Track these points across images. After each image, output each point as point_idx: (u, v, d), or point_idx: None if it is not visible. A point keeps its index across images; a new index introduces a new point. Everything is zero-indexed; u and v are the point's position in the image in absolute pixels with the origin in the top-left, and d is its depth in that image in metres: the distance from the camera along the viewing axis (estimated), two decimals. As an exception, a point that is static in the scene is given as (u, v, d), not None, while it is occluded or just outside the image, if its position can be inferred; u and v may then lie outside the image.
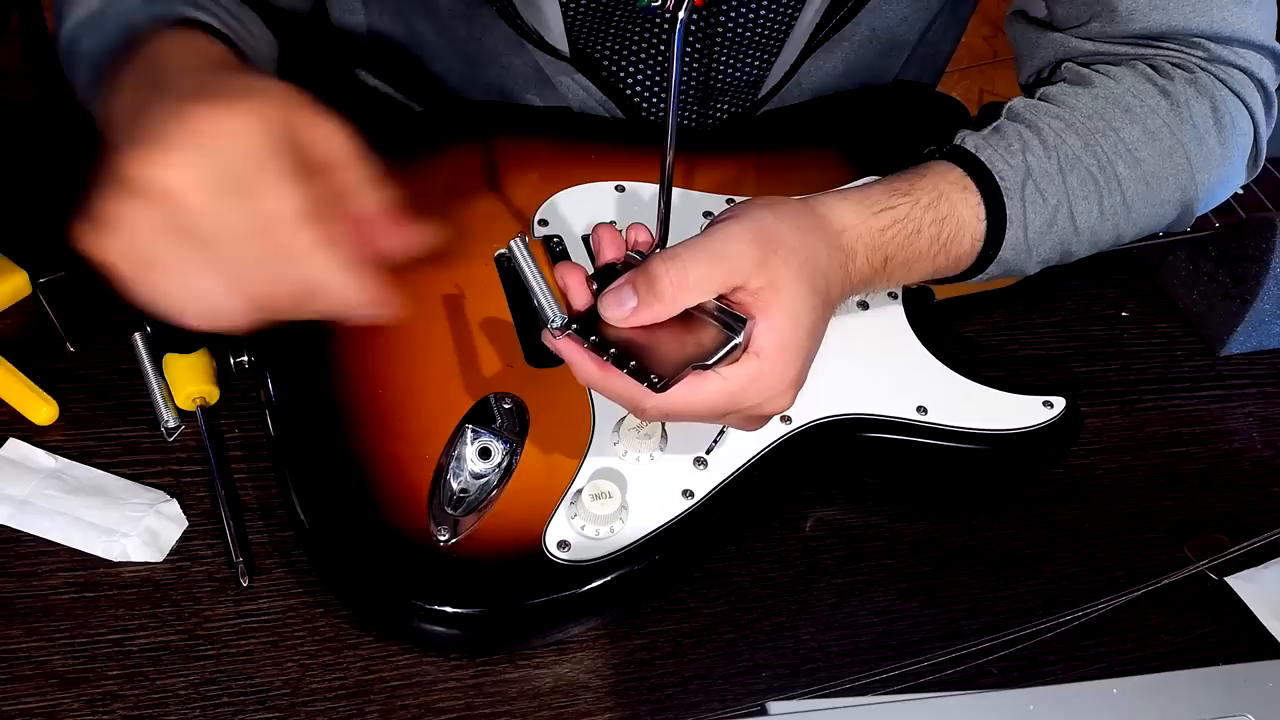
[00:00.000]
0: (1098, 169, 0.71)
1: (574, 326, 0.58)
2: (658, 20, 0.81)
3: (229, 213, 0.49)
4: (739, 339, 0.58)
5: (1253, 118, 0.76)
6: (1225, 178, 0.76)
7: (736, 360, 0.59)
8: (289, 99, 0.52)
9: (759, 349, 0.59)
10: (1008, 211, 0.70)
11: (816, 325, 0.61)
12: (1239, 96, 0.75)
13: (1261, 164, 0.79)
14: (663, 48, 0.82)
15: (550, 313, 0.61)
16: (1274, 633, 0.70)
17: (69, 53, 0.69)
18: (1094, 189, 0.71)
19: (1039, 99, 0.75)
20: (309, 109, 0.52)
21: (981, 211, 0.70)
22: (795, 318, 0.59)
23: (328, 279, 0.51)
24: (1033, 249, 0.71)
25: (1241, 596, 0.72)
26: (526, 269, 0.64)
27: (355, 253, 0.51)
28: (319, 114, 0.52)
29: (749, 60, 0.84)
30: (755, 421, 0.63)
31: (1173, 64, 0.75)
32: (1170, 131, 0.73)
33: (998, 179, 0.70)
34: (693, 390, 0.58)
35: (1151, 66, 0.75)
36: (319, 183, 0.51)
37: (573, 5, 0.79)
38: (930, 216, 0.68)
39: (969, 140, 0.72)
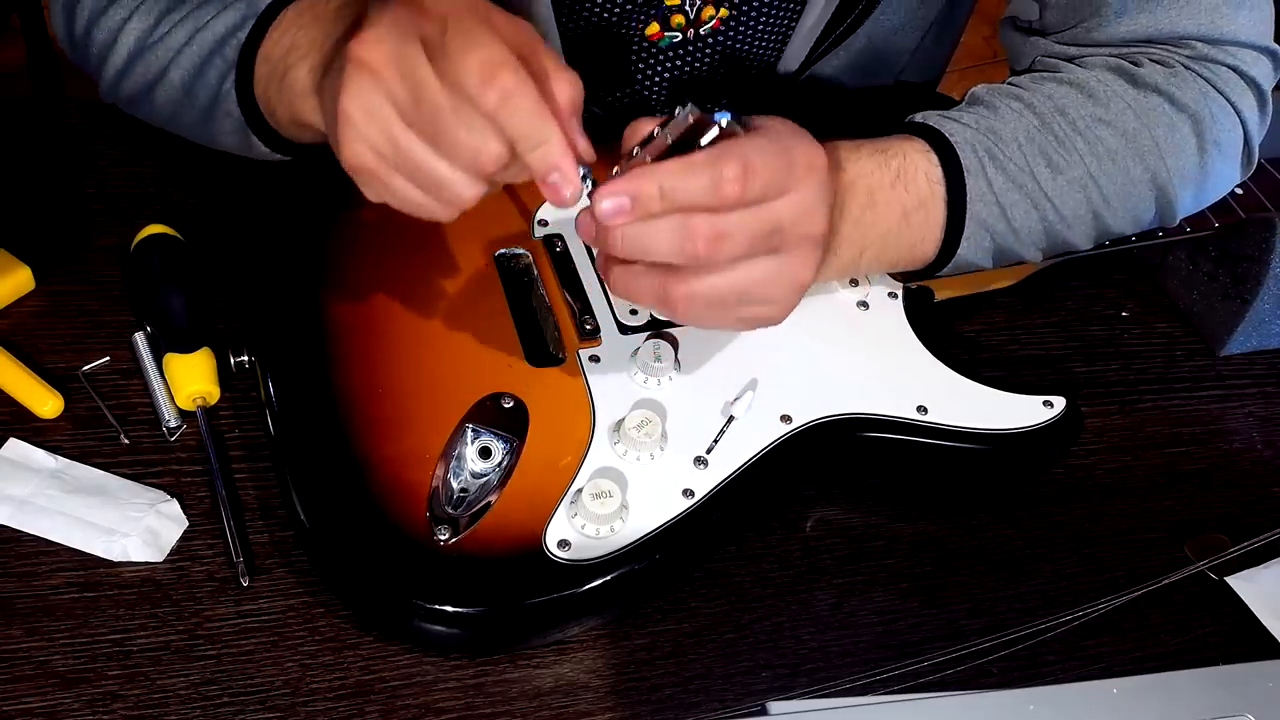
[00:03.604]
0: (1056, 142, 0.71)
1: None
2: (651, 53, 0.82)
3: None
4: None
5: (1240, 115, 0.75)
6: (1206, 170, 0.75)
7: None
8: None
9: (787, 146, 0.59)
10: (962, 160, 0.70)
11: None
12: (1223, 94, 0.74)
13: (1255, 162, 0.79)
14: (653, 79, 0.84)
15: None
16: (1274, 633, 0.70)
17: (190, 93, 0.70)
18: (1056, 158, 0.71)
19: (1004, 84, 0.75)
20: None
21: (934, 157, 0.70)
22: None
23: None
24: (1007, 210, 0.71)
25: (1241, 596, 0.72)
26: None
27: None
28: None
29: (746, 73, 0.85)
30: (786, 271, 0.61)
31: (1152, 59, 0.75)
32: (1135, 114, 0.72)
33: (947, 135, 0.70)
34: (752, 147, 0.58)
35: (1130, 61, 0.75)
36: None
37: (572, 34, 0.80)
38: (867, 148, 0.69)
39: (916, 115, 0.72)
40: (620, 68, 0.84)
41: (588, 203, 0.58)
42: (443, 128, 0.55)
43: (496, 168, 0.55)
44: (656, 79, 0.85)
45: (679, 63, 0.84)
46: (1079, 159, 0.71)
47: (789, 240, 0.60)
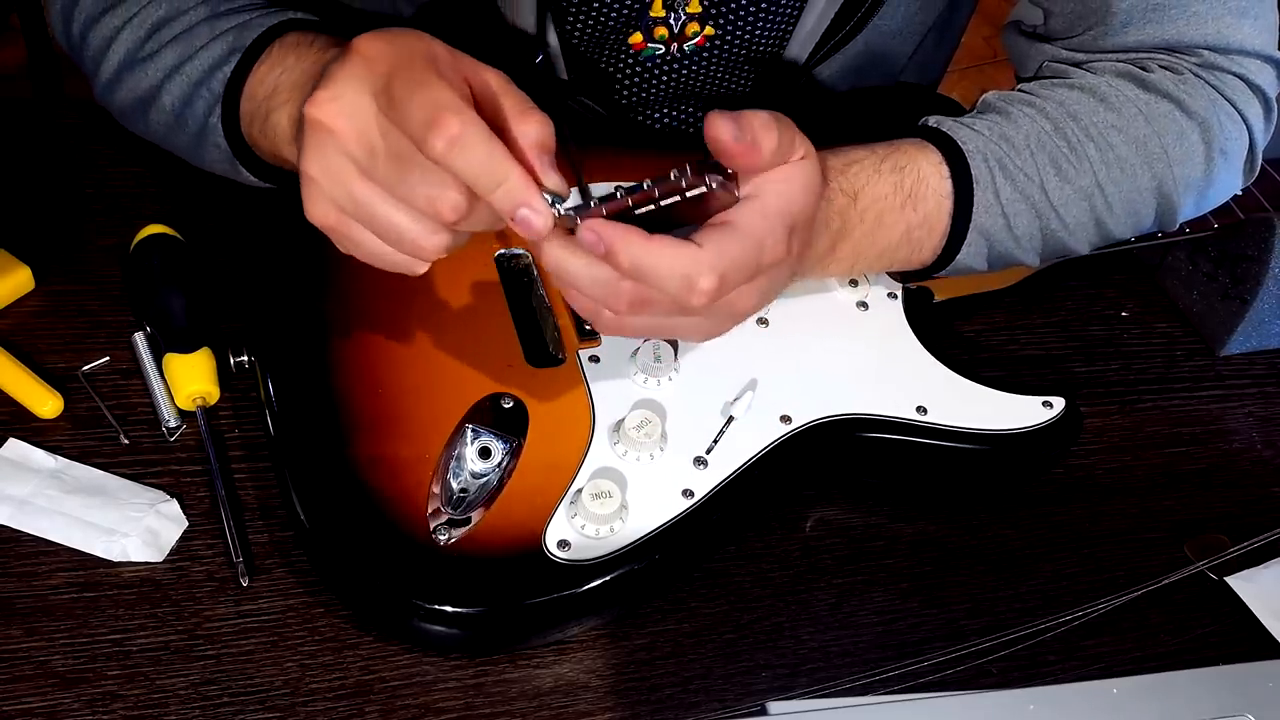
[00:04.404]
0: (1068, 149, 0.71)
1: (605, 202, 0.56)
2: (639, 63, 0.83)
3: None
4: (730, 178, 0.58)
5: (1247, 124, 0.75)
6: (1211, 178, 0.75)
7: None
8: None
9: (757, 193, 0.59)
10: (972, 171, 0.70)
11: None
12: (1230, 102, 0.74)
13: (1258, 170, 0.79)
14: (646, 88, 0.84)
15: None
16: (1274, 633, 0.70)
17: (179, 118, 0.70)
18: (1067, 167, 0.71)
19: (1014, 90, 0.75)
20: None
21: (945, 170, 0.69)
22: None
23: None
24: (1010, 220, 0.71)
25: (1241, 596, 0.72)
26: None
27: None
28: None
29: (741, 79, 0.85)
30: (701, 327, 0.61)
31: (1161, 66, 0.75)
32: (1146, 120, 0.72)
33: (960, 144, 0.70)
34: (750, 210, 0.58)
35: (1139, 67, 0.75)
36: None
37: (571, 36, 0.80)
38: (888, 165, 0.69)
39: (931, 119, 0.72)
40: (613, 77, 0.84)
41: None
42: (398, 179, 0.54)
43: (456, 215, 0.55)
44: (650, 88, 0.85)
45: (669, 73, 0.84)
46: (1089, 167, 0.71)
47: (711, 311, 0.60)
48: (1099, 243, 0.75)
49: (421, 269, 0.58)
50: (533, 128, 0.55)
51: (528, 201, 0.54)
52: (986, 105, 0.74)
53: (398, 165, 0.54)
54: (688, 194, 0.57)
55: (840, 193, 0.67)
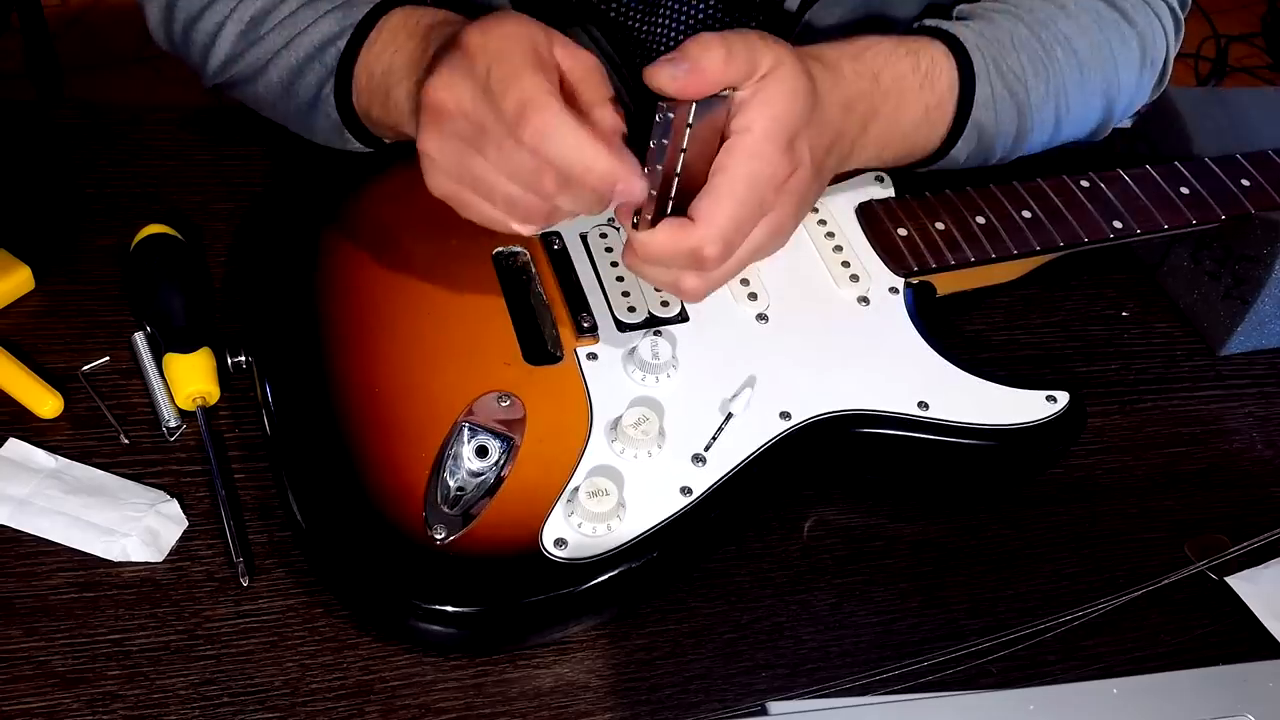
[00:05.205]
0: (1043, 52, 0.77)
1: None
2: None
3: None
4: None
5: (1167, 38, 0.82)
6: (1140, 86, 0.82)
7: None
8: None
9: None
10: (974, 65, 0.75)
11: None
12: (1157, 16, 0.82)
13: (1166, 84, 0.86)
14: (654, 29, 0.85)
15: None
16: (1274, 633, 0.70)
17: (292, 93, 0.74)
18: (1041, 68, 0.77)
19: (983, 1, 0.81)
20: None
21: (951, 61, 0.74)
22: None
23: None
24: (998, 114, 0.76)
25: (1241, 596, 0.72)
26: None
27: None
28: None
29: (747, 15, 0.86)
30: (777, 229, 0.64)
31: None
32: (1099, 28, 0.79)
33: (961, 40, 0.75)
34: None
35: None
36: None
37: None
38: (904, 49, 0.73)
39: (927, 20, 0.77)
40: (618, 9, 0.84)
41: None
42: (505, 157, 0.58)
43: (557, 188, 0.59)
44: (660, 29, 0.85)
45: (675, 11, 0.84)
46: (1059, 68, 0.77)
47: (776, 214, 0.63)
48: (1048, 144, 0.81)
49: (534, 232, 0.62)
50: (609, 115, 0.60)
51: (622, 178, 0.57)
52: (966, 13, 0.79)
53: (502, 147, 0.58)
54: (689, 130, 0.59)
55: (859, 75, 0.70)
